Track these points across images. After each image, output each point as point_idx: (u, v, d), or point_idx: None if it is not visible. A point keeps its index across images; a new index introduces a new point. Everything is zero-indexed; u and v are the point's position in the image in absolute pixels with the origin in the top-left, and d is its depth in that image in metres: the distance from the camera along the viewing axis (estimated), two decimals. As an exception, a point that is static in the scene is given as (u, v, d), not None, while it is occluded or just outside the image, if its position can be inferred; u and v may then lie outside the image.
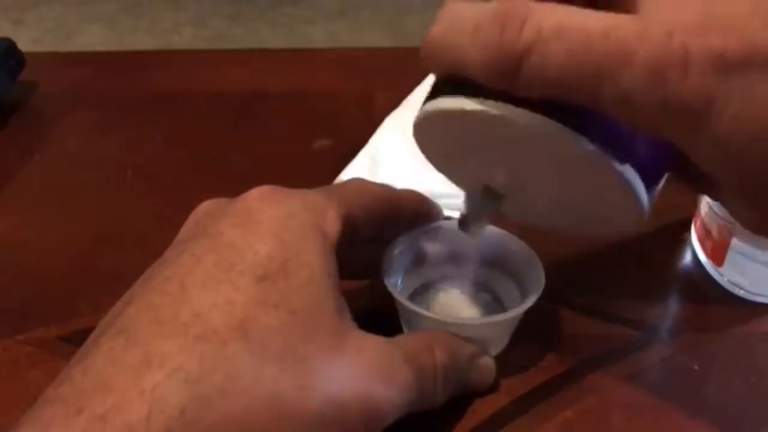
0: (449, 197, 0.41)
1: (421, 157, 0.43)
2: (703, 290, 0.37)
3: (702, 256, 0.38)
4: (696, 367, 0.33)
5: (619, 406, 0.31)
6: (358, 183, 0.33)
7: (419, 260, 0.35)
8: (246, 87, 0.55)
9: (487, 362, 0.31)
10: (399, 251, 0.34)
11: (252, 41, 1.87)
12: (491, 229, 0.35)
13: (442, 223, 0.36)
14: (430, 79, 0.58)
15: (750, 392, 0.32)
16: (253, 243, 0.25)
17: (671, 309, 0.36)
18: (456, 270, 0.36)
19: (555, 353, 0.33)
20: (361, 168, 0.42)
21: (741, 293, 0.36)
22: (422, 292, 0.35)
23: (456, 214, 0.41)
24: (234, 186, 0.37)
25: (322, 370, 0.24)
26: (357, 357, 0.25)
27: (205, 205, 0.29)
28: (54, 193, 0.46)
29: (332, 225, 0.28)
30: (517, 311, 0.31)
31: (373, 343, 0.26)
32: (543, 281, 0.32)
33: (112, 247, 0.41)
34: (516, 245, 0.34)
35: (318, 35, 1.91)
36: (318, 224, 0.27)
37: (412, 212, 0.34)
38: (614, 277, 0.38)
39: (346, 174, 0.41)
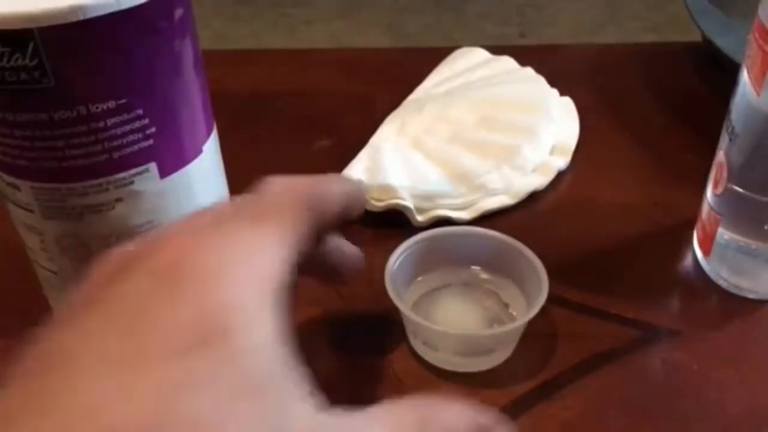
0: (449, 197, 0.41)
1: (421, 157, 0.43)
2: (703, 290, 0.37)
3: (702, 257, 0.38)
4: (695, 367, 0.33)
5: (619, 406, 0.31)
6: (297, 195, 0.25)
7: (422, 267, 0.35)
8: (246, 87, 0.55)
9: None
10: (401, 259, 0.34)
11: (252, 41, 1.87)
12: (494, 234, 0.35)
13: (444, 228, 0.36)
14: (430, 79, 0.58)
15: (750, 391, 0.32)
16: (177, 308, 0.18)
17: (671, 309, 0.36)
18: (460, 275, 0.36)
19: (555, 353, 0.33)
20: (361, 168, 0.42)
21: (740, 293, 0.36)
22: (427, 298, 0.35)
23: (456, 215, 0.41)
24: (234, 186, 0.37)
25: None
26: None
27: (116, 255, 0.22)
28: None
29: (277, 265, 0.21)
30: (522, 321, 0.31)
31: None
32: (546, 285, 0.32)
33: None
34: (518, 248, 0.34)
35: (318, 35, 1.91)
36: (262, 271, 0.20)
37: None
38: (614, 277, 0.38)
39: (346, 174, 0.41)
